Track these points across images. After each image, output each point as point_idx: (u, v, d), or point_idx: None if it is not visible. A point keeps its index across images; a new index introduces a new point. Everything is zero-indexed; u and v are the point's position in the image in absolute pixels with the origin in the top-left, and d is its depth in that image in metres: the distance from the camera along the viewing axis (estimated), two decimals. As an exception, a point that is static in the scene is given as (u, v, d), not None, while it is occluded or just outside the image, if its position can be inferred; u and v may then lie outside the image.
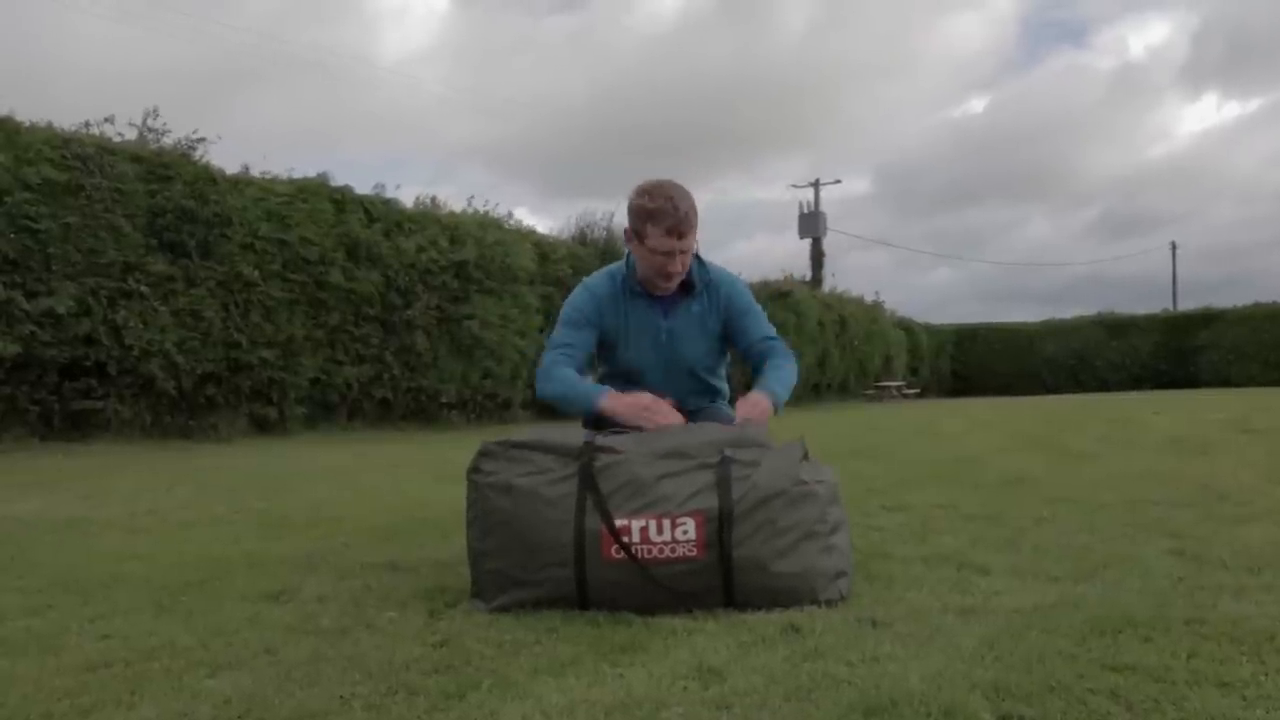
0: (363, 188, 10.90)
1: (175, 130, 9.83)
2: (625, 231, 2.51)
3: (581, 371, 2.51)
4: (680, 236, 2.39)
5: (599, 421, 2.36)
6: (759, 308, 2.62)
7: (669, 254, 2.40)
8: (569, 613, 1.98)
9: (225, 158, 10.19)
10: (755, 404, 2.36)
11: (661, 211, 2.37)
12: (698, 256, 2.53)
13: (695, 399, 2.57)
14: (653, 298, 2.52)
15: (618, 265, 2.58)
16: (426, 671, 1.64)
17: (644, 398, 2.32)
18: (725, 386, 2.70)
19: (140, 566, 2.69)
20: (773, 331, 2.62)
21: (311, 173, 10.48)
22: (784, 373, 2.52)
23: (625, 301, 2.53)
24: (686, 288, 2.52)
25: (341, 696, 1.53)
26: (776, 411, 2.39)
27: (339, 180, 10.59)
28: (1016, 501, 3.54)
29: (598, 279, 2.59)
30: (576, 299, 2.57)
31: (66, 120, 8.61)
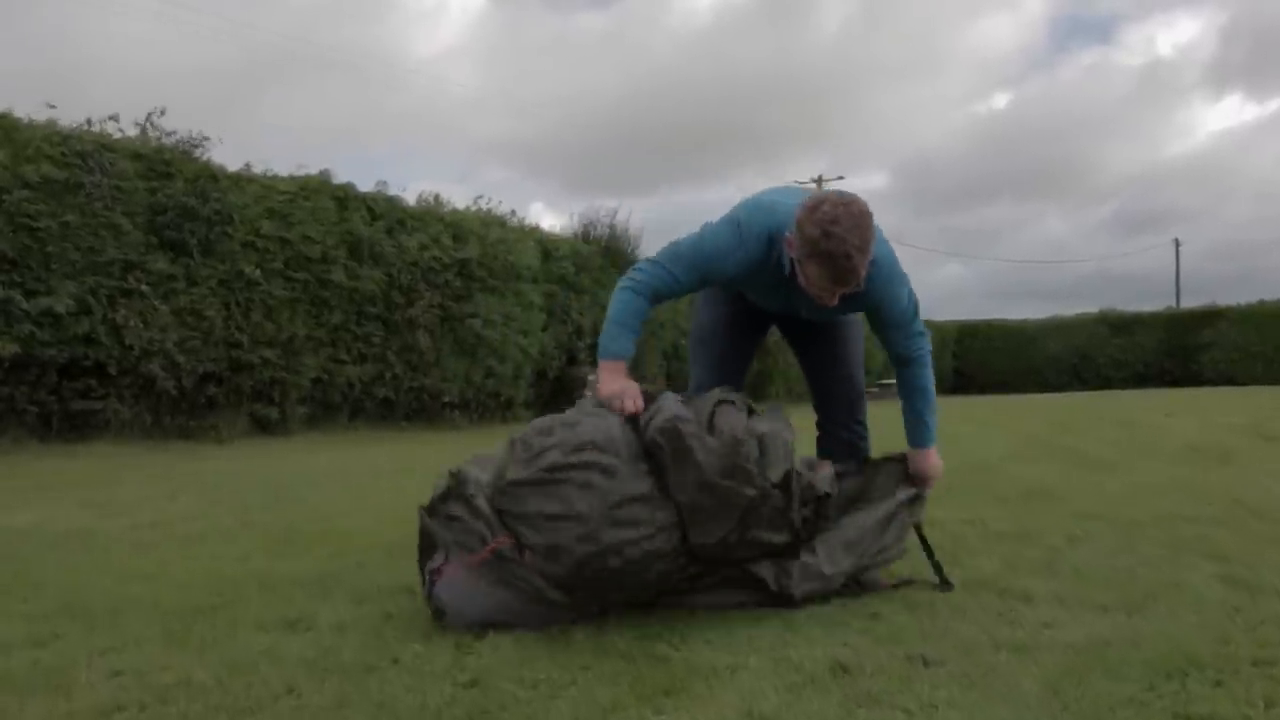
0: (393, 188, 10.92)
1: (180, 128, 9.71)
2: (787, 239, 2.25)
3: (660, 299, 2.43)
4: (845, 284, 2.20)
5: None
6: (909, 314, 2.46)
7: (826, 290, 2.23)
8: (602, 648, 1.89)
9: (250, 155, 10.11)
10: (930, 465, 2.49)
11: (831, 259, 2.14)
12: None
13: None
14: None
15: (776, 235, 2.29)
16: (460, 718, 1.55)
17: (629, 393, 2.26)
18: None
19: (148, 588, 2.59)
20: (914, 342, 2.49)
21: (340, 170, 10.46)
22: (928, 403, 2.52)
23: (770, 278, 2.37)
24: None
25: (372, 749, 1.44)
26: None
27: (367, 177, 10.59)
28: (1045, 517, 3.45)
29: (758, 250, 2.32)
30: (728, 255, 2.32)
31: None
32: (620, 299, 2.41)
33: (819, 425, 2.77)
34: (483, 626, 2.03)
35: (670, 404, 2.22)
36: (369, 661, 1.87)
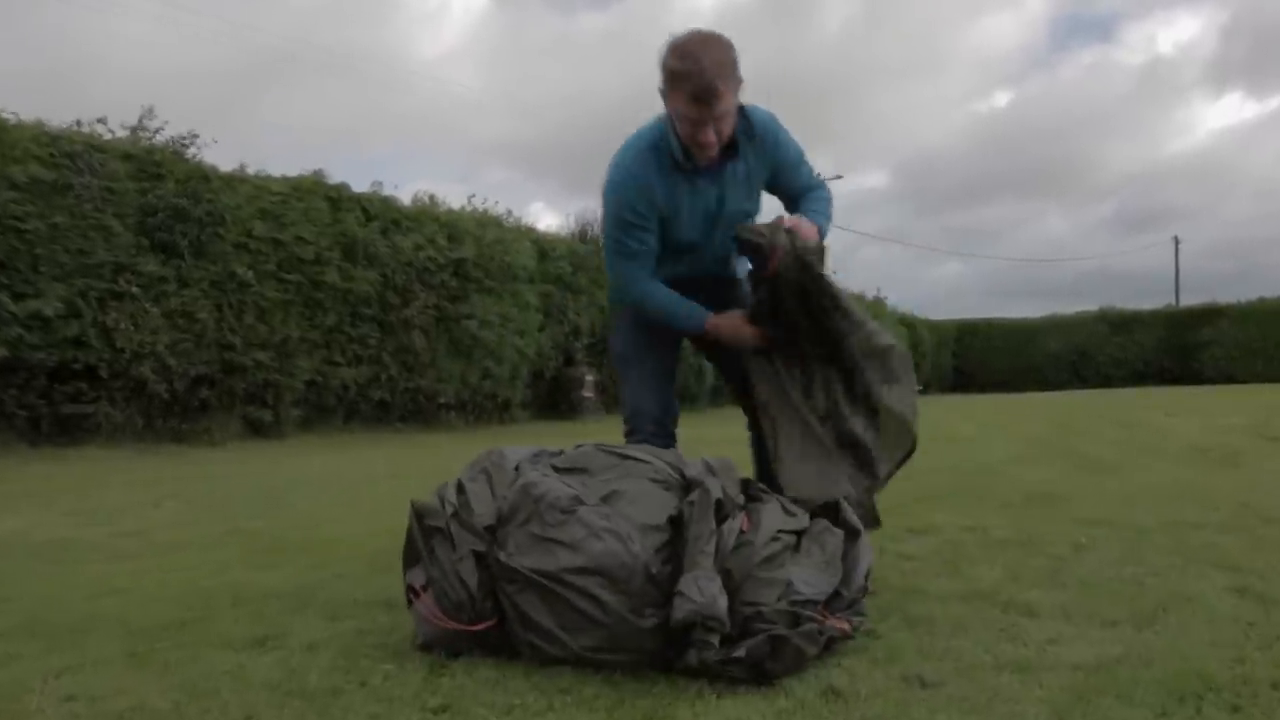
0: (390, 188, 10.85)
1: (172, 128, 9.59)
2: (660, 90, 2.23)
3: (650, 264, 2.42)
4: (707, 104, 2.14)
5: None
6: (803, 156, 2.48)
7: (697, 123, 2.17)
8: (582, 670, 1.79)
9: (250, 157, 10.08)
10: (800, 221, 2.37)
11: (684, 75, 2.11)
12: (740, 106, 2.27)
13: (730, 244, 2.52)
14: (699, 169, 2.29)
15: (655, 132, 2.29)
16: (426, 749, 1.46)
17: (745, 327, 2.40)
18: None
19: (117, 603, 2.50)
20: (815, 179, 2.53)
21: (340, 171, 10.39)
22: (823, 204, 2.50)
23: (671, 180, 2.30)
24: (730, 146, 2.29)
25: (329, 786, 1.34)
26: (822, 235, 2.43)
27: (368, 178, 10.55)
28: (1048, 523, 3.35)
29: (639, 162, 2.29)
30: (627, 196, 2.30)
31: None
32: (654, 301, 2.44)
33: (750, 427, 2.63)
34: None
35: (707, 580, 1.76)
36: (336, 684, 1.77)
